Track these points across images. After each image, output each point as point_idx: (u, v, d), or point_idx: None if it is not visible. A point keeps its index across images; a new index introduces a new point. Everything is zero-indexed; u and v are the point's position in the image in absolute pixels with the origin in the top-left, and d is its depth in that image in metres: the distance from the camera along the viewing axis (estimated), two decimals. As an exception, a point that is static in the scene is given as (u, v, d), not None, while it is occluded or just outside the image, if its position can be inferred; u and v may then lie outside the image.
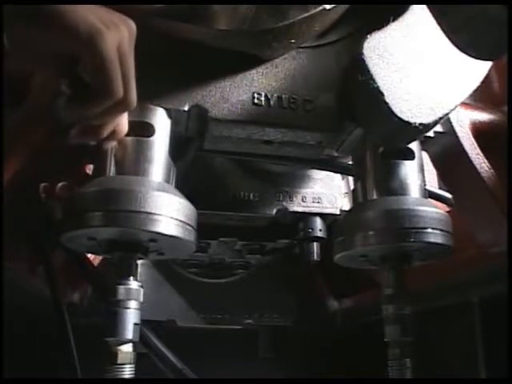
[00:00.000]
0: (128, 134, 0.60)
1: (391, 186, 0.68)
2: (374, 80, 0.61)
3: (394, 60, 0.62)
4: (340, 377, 1.24)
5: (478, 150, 0.73)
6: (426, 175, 0.71)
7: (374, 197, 0.69)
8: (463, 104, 0.70)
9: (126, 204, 0.55)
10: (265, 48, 0.64)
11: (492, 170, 0.72)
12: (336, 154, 0.75)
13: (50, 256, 0.80)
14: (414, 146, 0.70)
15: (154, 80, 0.61)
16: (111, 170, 0.61)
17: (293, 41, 0.62)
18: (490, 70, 0.66)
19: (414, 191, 0.68)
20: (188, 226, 0.60)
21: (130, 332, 0.58)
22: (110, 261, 0.63)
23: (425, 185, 0.70)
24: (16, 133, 0.59)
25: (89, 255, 0.87)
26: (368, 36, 0.62)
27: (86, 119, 0.52)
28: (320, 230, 0.91)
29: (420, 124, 0.61)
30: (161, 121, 0.63)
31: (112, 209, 0.55)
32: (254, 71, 0.66)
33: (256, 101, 0.65)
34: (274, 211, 0.90)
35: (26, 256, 0.81)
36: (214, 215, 0.89)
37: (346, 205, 0.93)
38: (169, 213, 0.57)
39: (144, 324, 0.67)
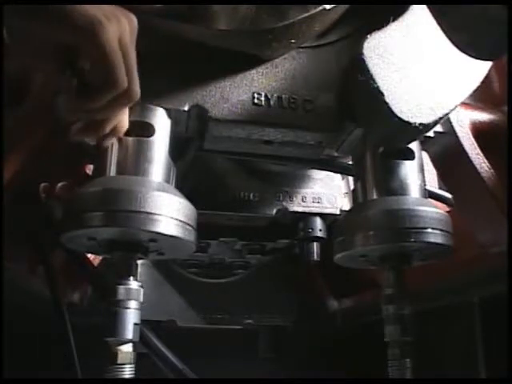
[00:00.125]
0: (128, 134, 0.60)
1: (391, 185, 0.68)
2: (374, 80, 0.61)
3: (394, 60, 0.62)
4: (340, 377, 1.23)
5: (478, 150, 0.73)
6: (426, 175, 0.71)
7: (374, 197, 0.69)
8: (463, 104, 0.70)
9: (126, 204, 0.55)
10: (265, 48, 0.64)
11: (492, 170, 0.72)
12: (336, 154, 0.75)
13: (50, 256, 0.80)
14: (414, 146, 0.70)
15: (154, 80, 0.60)
16: (111, 170, 0.61)
17: (293, 41, 0.62)
18: (489, 70, 0.66)
19: (414, 191, 0.68)
20: (188, 226, 0.60)
21: (129, 332, 0.58)
22: (109, 261, 0.63)
23: (425, 185, 0.70)
24: (16, 133, 0.59)
25: (89, 255, 0.87)
26: (368, 36, 0.63)
27: (91, 113, 0.52)
28: (320, 230, 0.91)
29: (420, 124, 0.61)
30: (161, 121, 0.63)
31: (112, 209, 0.55)
32: (253, 71, 0.66)
33: (256, 101, 0.65)
34: (274, 211, 0.90)
35: (26, 256, 0.81)
36: (214, 215, 0.89)
37: (346, 205, 0.93)
38: (169, 213, 0.57)
39: (144, 324, 0.67)
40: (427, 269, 0.74)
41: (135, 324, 0.59)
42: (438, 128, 0.73)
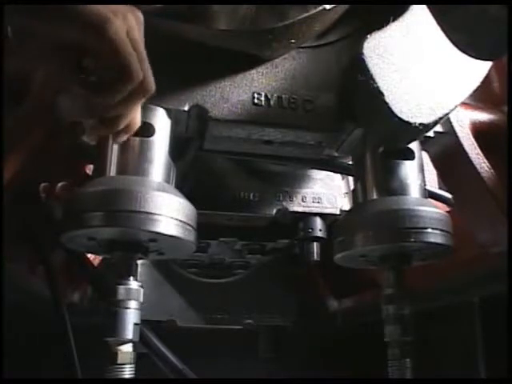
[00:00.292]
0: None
1: (391, 186, 0.68)
2: (374, 80, 0.61)
3: (394, 60, 0.62)
4: (340, 377, 1.23)
5: (478, 150, 0.73)
6: (426, 175, 0.71)
7: (374, 197, 0.69)
8: (463, 104, 0.70)
9: (126, 204, 0.55)
10: (265, 48, 0.64)
11: (492, 170, 0.72)
12: (336, 154, 0.75)
13: (50, 256, 0.80)
14: (414, 146, 0.70)
15: (154, 80, 0.60)
16: (111, 170, 0.61)
17: (293, 41, 0.62)
18: (489, 70, 0.66)
19: (414, 191, 0.68)
20: (188, 226, 0.60)
21: (130, 332, 0.58)
22: (110, 261, 0.63)
23: (425, 185, 0.70)
24: (16, 133, 0.59)
25: (89, 255, 0.87)
26: (368, 36, 0.63)
27: (107, 109, 0.52)
28: (320, 230, 0.91)
29: (420, 124, 0.61)
30: (161, 121, 0.63)
31: (112, 209, 0.55)
32: (253, 71, 0.66)
33: (256, 101, 0.65)
34: (274, 211, 0.90)
35: (26, 256, 0.81)
36: (214, 215, 0.89)
37: (346, 205, 0.93)
38: (169, 213, 0.57)
39: (144, 324, 0.67)
40: (427, 269, 0.74)
41: (135, 324, 0.59)
42: (438, 128, 0.73)
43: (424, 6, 0.62)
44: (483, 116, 0.78)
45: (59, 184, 0.69)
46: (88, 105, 0.51)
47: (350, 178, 0.90)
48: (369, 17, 0.67)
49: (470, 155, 0.73)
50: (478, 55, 0.54)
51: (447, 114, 0.63)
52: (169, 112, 0.64)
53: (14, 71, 0.55)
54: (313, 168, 0.90)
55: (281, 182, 0.91)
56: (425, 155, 0.76)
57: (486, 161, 0.72)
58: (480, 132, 0.75)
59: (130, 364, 0.59)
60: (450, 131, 0.74)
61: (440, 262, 0.71)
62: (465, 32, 0.52)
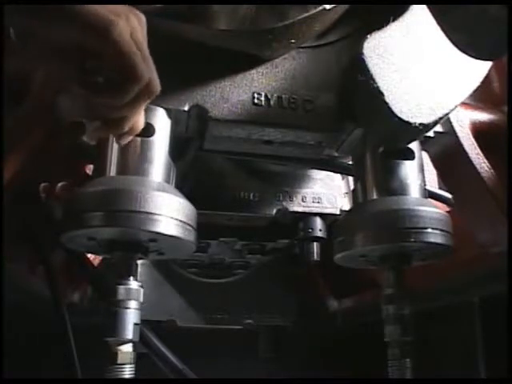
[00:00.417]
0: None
1: (391, 186, 0.68)
2: (374, 80, 0.61)
3: (394, 60, 0.62)
4: (340, 377, 1.23)
5: (478, 150, 0.73)
6: (426, 175, 0.71)
7: (374, 197, 0.69)
8: (463, 104, 0.70)
9: (126, 204, 0.55)
10: (265, 48, 0.64)
11: (492, 170, 0.72)
12: (336, 154, 0.75)
13: (50, 256, 0.80)
14: (414, 146, 0.70)
15: (154, 80, 0.61)
16: (111, 170, 0.61)
17: (293, 41, 0.62)
18: (489, 70, 0.66)
19: (414, 191, 0.68)
20: (188, 226, 0.60)
21: (130, 332, 0.58)
22: (110, 261, 0.63)
23: (425, 185, 0.70)
24: (16, 133, 0.59)
25: (89, 255, 0.87)
26: (368, 36, 0.63)
27: (114, 110, 0.52)
28: (320, 230, 0.91)
29: (420, 124, 0.61)
30: (161, 121, 0.63)
31: (112, 209, 0.55)
32: (253, 71, 0.66)
33: (256, 101, 0.65)
34: (274, 211, 0.90)
35: (26, 256, 0.81)
36: (214, 215, 0.89)
37: (346, 205, 0.93)
38: (169, 213, 0.57)
39: (144, 324, 0.67)
40: (427, 269, 0.74)
41: (135, 324, 0.59)
42: (438, 128, 0.73)
43: (424, 6, 0.62)
44: (483, 116, 0.78)
45: (59, 184, 0.69)
46: (92, 106, 0.51)
47: (350, 178, 0.90)
48: (369, 17, 0.67)
49: (470, 155, 0.73)
50: (478, 55, 0.54)
51: (447, 114, 0.63)
52: (169, 112, 0.64)
53: (14, 71, 0.55)
54: (313, 168, 0.90)
55: (281, 182, 0.91)
56: (425, 155, 0.76)
57: (485, 161, 0.72)
58: (480, 132, 0.75)
59: (130, 364, 0.59)
60: (450, 131, 0.74)
61: (440, 262, 0.71)
62: (465, 32, 0.52)
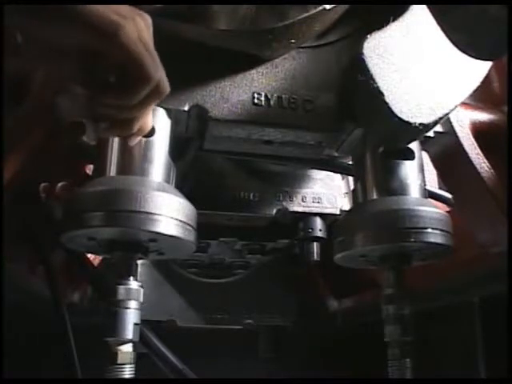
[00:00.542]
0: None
1: (391, 186, 0.68)
2: (374, 80, 0.61)
3: (394, 60, 0.62)
4: (340, 377, 1.23)
5: (478, 150, 0.73)
6: (426, 175, 0.71)
7: (374, 197, 0.69)
8: (463, 104, 0.70)
9: (126, 204, 0.55)
10: (265, 48, 0.64)
11: (492, 170, 0.72)
12: (336, 154, 0.75)
13: (50, 256, 0.80)
14: (414, 146, 0.70)
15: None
16: (111, 170, 0.61)
17: (293, 41, 0.62)
18: (489, 70, 0.66)
19: (414, 191, 0.68)
20: (188, 226, 0.59)
21: (130, 332, 0.58)
22: (110, 261, 0.63)
23: (425, 185, 0.70)
24: (16, 133, 0.59)
25: (89, 255, 0.87)
26: (368, 36, 0.63)
27: (125, 111, 0.52)
28: (320, 230, 0.91)
29: (420, 124, 0.61)
30: (161, 121, 0.63)
31: (112, 209, 0.55)
32: (253, 71, 0.66)
33: (256, 101, 0.65)
34: (274, 211, 0.90)
35: (26, 256, 0.81)
36: (214, 215, 0.89)
37: (346, 205, 0.93)
38: (169, 213, 0.57)
39: (144, 324, 0.67)
40: (427, 269, 0.74)
41: (135, 324, 0.59)
42: (438, 128, 0.73)
43: (424, 6, 0.62)
44: (483, 116, 0.78)
45: (59, 184, 0.69)
46: (103, 107, 0.51)
47: (350, 178, 0.90)
48: (369, 17, 0.67)
49: (470, 155, 0.73)
50: (478, 55, 0.54)
51: (447, 114, 0.63)
52: (169, 112, 0.64)
53: (14, 71, 0.55)
54: (313, 168, 0.90)
55: (281, 182, 0.91)
56: (425, 155, 0.76)
57: (485, 161, 0.72)
58: (480, 132, 0.75)
59: (130, 364, 0.59)
60: (450, 131, 0.74)
61: (440, 262, 0.71)
62: (465, 32, 0.52)
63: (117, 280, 0.60)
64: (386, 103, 0.60)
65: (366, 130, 0.67)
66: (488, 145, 0.74)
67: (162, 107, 0.63)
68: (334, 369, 1.32)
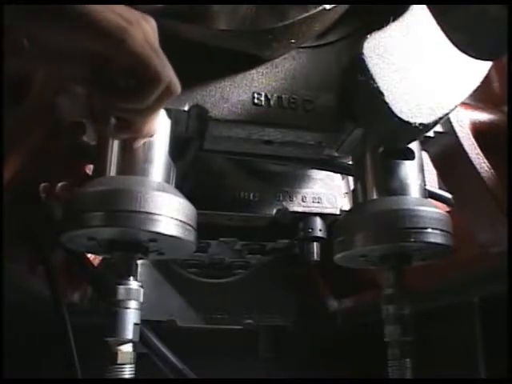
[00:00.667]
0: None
1: (391, 186, 0.68)
2: (374, 80, 0.61)
3: (394, 60, 0.62)
4: (340, 377, 1.23)
5: (478, 150, 0.73)
6: (426, 175, 0.71)
7: (374, 197, 0.69)
8: (463, 104, 0.70)
9: (125, 204, 0.55)
10: (265, 48, 0.64)
11: (492, 170, 0.72)
12: (336, 154, 0.75)
13: (50, 256, 0.80)
14: (414, 146, 0.70)
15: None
16: (111, 170, 0.61)
17: (293, 41, 0.62)
18: (489, 70, 0.66)
19: (414, 191, 0.68)
20: (188, 226, 0.59)
21: (130, 332, 0.58)
22: (110, 261, 0.63)
23: (425, 185, 0.70)
24: (16, 133, 0.59)
25: (89, 255, 0.87)
26: (368, 36, 0.63)
27: (136, 114, 0.52)
28: (320, 230, 0.91)
29: (420, 124, 0.61)
30: (161, 121, 0.63)
31: (112, 209, 0.55)
32: (253, 71, 0.66)
33: (256, 101, 0.65)
34: (274, 211, 0.90)
35: (26, 256, 0.81)
36: (214, 215, 0.89)
37: (346, 205, 0.93)
38: (169, 213, 0.57)
39: (144, 324, 0.67)
40: (427, 269, 0.74)
41: (135, 324, 0.59)
42: (438, 128, 0.73)
43: (424, 6, 0.62)
44: (483, 116, 0.78)
45: (59, 184, 0.69)
46: (116, 110, 0.51)
47: (350, 178, 0.90)
48: (369, 17, 0.67)
49: (470, 155, 0.73)
50: (478, 55, 0.54)
51: (447, 114, 0.63)
52: (169, 112, 0.64)
53: (13, 71, 0.55)
54: (313, 168, 0.90)
55: (281, 182, 0.91)
56: (425, 155, 0.76)
57: (485, 161, 0.72)
58: (480, 132, 0.75)
59: (130, 364, 0.59)
60: (450, 131, 0.74)
61: (440, 262, 0.71)
62: (465, 32, 0.52)
63: (117, 280, 0.60)
64: (386, 103, 0.60)
65: (366, 130, 0.67)
66: (488, 145, 0.74)
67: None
68: (334, 369, 1.32)
